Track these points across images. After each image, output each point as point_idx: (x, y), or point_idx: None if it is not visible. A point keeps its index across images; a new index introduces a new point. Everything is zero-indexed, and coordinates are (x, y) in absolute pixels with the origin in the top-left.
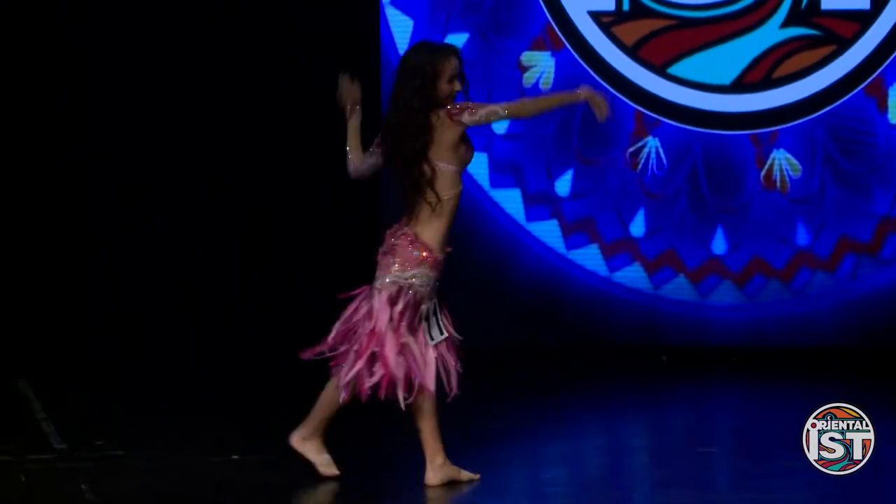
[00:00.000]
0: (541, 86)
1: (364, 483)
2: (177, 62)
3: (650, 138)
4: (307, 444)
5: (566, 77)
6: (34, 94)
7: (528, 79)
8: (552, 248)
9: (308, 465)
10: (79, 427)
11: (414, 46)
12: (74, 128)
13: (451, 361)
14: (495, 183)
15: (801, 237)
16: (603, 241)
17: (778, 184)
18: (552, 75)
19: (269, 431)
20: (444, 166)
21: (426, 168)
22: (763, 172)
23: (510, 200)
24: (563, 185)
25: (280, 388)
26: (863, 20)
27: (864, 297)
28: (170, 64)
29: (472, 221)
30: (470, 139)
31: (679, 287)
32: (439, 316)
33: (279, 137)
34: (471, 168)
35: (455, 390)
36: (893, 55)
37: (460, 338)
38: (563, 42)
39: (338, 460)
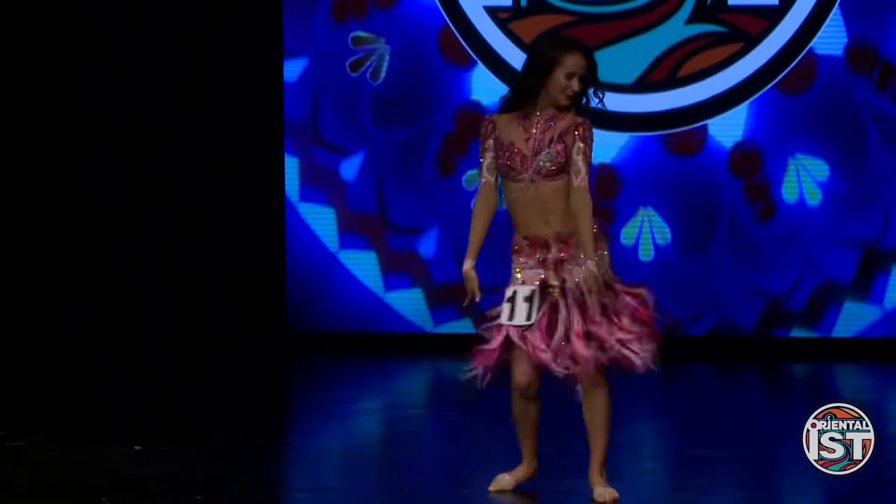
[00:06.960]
0: (369, 77)
1: None
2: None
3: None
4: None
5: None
6: None
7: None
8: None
9: None
10: None
11: (543, 34)
12: None
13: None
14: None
15: None
16: None
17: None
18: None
19: (177, 423)
20: None
21: None
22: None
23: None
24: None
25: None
26: (771, 16)
27: None
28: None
29: None
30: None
31: None
32: (534, 302)
33: None
34: None
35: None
36: (802, 53)
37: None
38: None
39: None
